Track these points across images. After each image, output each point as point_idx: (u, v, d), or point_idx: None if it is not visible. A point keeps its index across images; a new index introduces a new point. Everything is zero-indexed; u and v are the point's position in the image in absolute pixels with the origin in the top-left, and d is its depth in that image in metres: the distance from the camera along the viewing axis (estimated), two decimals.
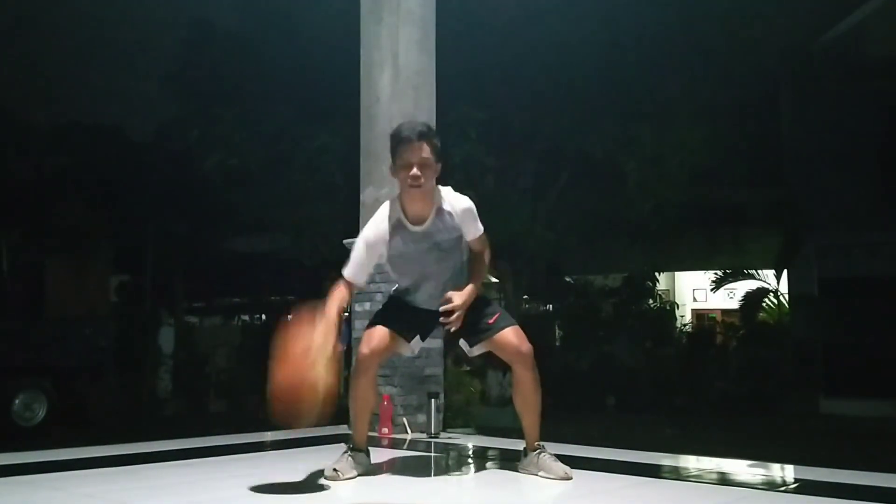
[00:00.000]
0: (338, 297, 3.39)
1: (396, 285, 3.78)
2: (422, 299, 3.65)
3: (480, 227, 3.60)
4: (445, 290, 3.55)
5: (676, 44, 10.77)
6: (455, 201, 3.54)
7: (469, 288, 3.52)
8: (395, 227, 3.51)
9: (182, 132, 13.19)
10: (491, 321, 3.58)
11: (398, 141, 3.43)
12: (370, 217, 5.54)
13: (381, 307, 3.84)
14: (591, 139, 11.11)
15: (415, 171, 3.39)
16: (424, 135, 3.42)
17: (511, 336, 3.54)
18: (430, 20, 5.75)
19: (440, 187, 3.54)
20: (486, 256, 3.66)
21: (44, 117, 15.89)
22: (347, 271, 3.52)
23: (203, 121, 12.35)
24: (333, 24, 10.62)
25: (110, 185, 14.46)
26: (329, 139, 11.29)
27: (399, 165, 3.44)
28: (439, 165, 3.50)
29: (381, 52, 5.62)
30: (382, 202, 5.44)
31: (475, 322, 3.58)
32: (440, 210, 3.51)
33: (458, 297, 3.45)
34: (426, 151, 3.41)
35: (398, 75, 5.54)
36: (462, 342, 3.70)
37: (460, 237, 3.58)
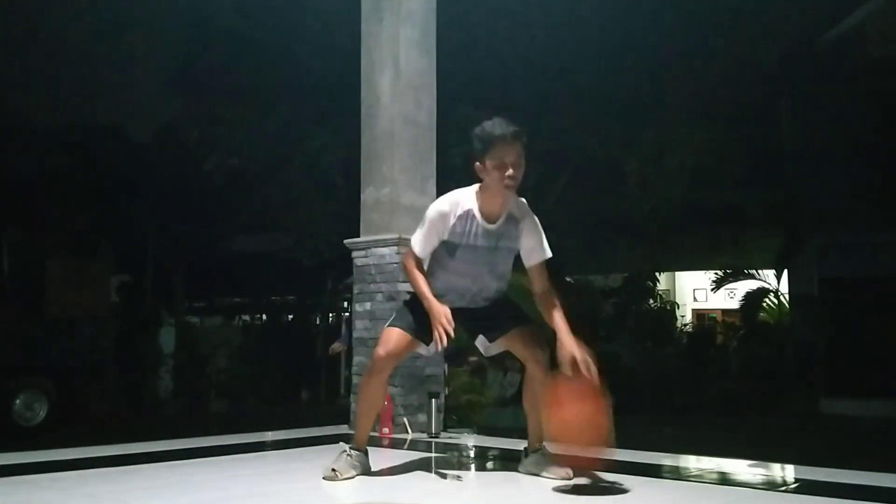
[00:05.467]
0: (423, 281, 3.47)
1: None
2: (463, 299, 3.56)
3: (548, 252, 3.56)
4: (491, 298, 3.58)
5: (677, 44, 10.79)
6: (528, 215, 3.54)
7: (565, 330, 3.38)
8: (467, 213, 3.46)
9: (183, 132, 13.22)
10: (510, 320, 3.58)
11: (493, 139, 3.39)
12: (369, 217, 5.63)
13: (403, 306, 3.72)
14: (591, 139, 11.12)
15: (511, 171, 3.38)
16: (520, 135, 3.42)
17: (529, 336, 3.55)
18: (430, 20, 5.75)
19: (517, 196, 3.54)
20: (554, 297, 3.53)
21: (44, 117, 15.87)
22: (417, 245, 3.52)
23: (204, 121, 12.38)
24: (334, 24, 10.64)
25: (110, 185, 14.45)
26: (329, 139, 11.31)
27: (493, 164, 3.40)
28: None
29: (381, 52, 5.62)
30: (383, 202, 5.52)
31: (494, 320, 3.58)
32: (511, 216, 3.51)
33: (573, 346, 3.33)
34: (520, 152, 3.42)
35: (399, 76, 5.53)
36: (479, 340, 3.70)
37: (515, 254, 3.55)
